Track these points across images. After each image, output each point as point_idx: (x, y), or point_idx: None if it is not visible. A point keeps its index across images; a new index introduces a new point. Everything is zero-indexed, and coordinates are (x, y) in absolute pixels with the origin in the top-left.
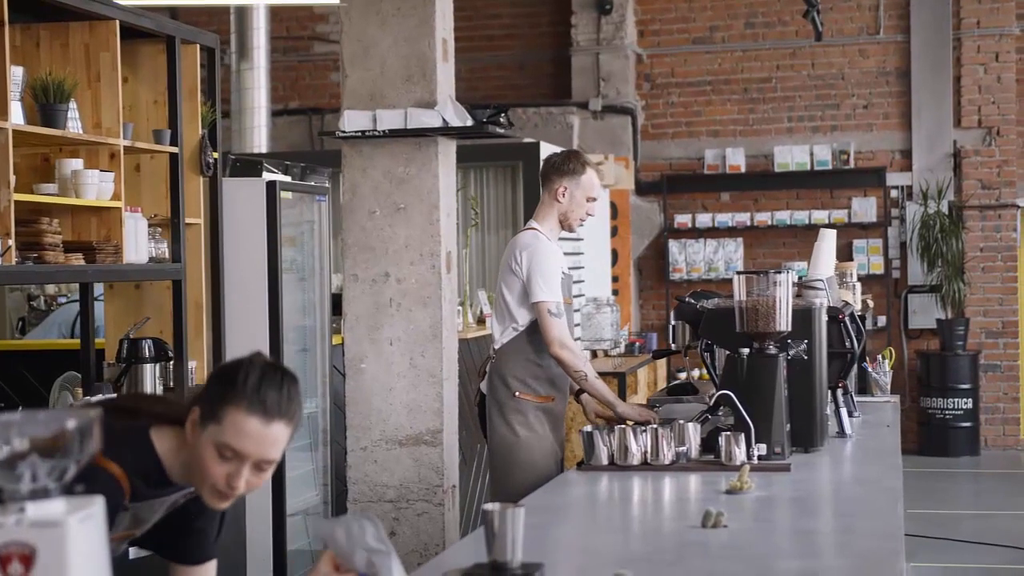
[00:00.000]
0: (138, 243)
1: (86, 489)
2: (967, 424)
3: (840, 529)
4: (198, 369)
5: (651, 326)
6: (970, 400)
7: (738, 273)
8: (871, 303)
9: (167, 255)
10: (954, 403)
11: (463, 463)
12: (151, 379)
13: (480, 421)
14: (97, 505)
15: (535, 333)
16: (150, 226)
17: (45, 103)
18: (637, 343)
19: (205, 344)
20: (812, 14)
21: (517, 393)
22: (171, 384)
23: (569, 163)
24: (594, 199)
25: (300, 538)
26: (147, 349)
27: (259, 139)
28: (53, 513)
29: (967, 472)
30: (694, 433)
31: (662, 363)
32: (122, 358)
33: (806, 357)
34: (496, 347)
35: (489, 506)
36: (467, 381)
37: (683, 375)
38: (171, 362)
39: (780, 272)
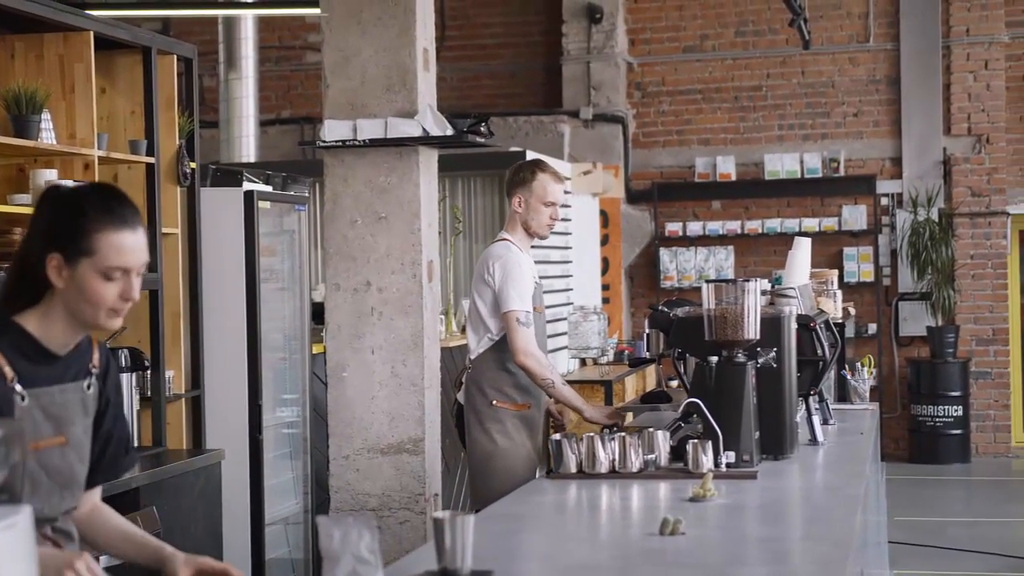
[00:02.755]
0: None
1: None
2: (957, 431)
3: (794, 536)
4: (175, 378)
5: (641, 335)
6: (960, 407)
7: (707, 281)
8: (852, 311)
9: None
10: (944, 410)
11: (445, 471)
12: (128, 388)
13: (459, 431)
14: (23, 514)
15: None
16: None
17: (17, 114)
18: (626, 351)
19: (183, 353)
20: (799, 22)
21: (494, 402)
22: (148, 394)
23: (519, 173)
24: (552, 203)
25: (280, 547)
26: (123, 359)
27: (247, 149)
28: None
29: (957, 479)
30: (663, 441)
31: (651, 371)
32: None
33: (775, 365)
34: (472, 357)
35: (439, 514)
36: (450, 390)
37: (675, 383)
38: (148, 371)
39: (749, 280)
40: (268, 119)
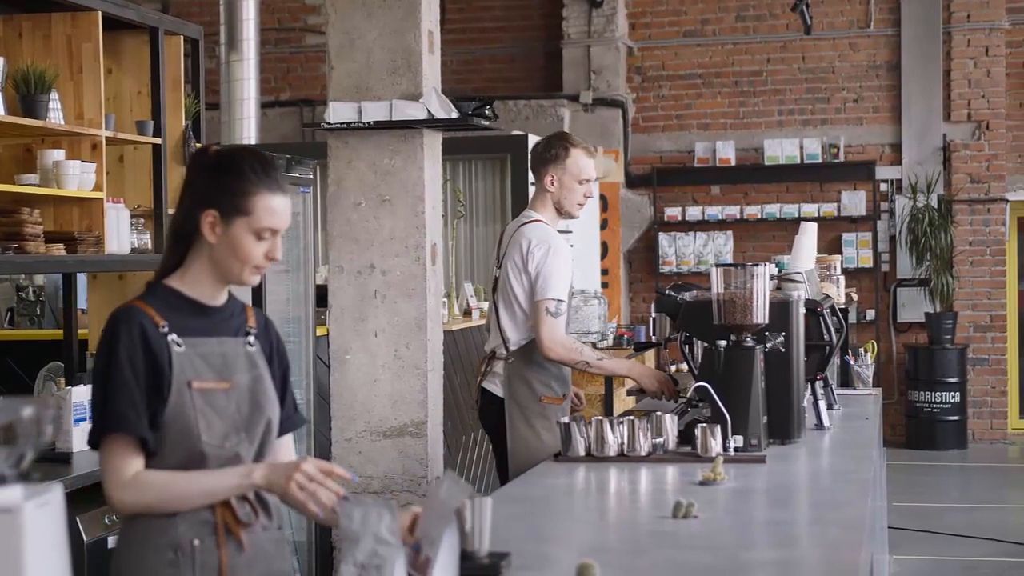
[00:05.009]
0: (120, 234)
1: (110, 327)
2: (955, 418)
3: (807, 520)
4: None
5: (641, 319)
6: (958, 394)
7: (716, 266)
8: (855, 296)
9: (150, 246)
10: (942, 397)
11: (448, 455)
12: None
13: (483, 421)
14: (55, 492)
15: None
16: (133, 217)
17: (26, 94)
18: (626, 335)
19: None
20: (801, 7)
21: (543, 398)
22: None
23: (551, 149)
24: (586, 180)
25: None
26: None
27: (248, 130)
28: (9, 499)
29: (954, 465)
30: (671, 425)
31: (651, 355)
32: None
33: (783, 350)
34: (511, 348)
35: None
36: (452, 373)
37: (673, 368)
38: None
39: (758, 265)
40: (267, 101)
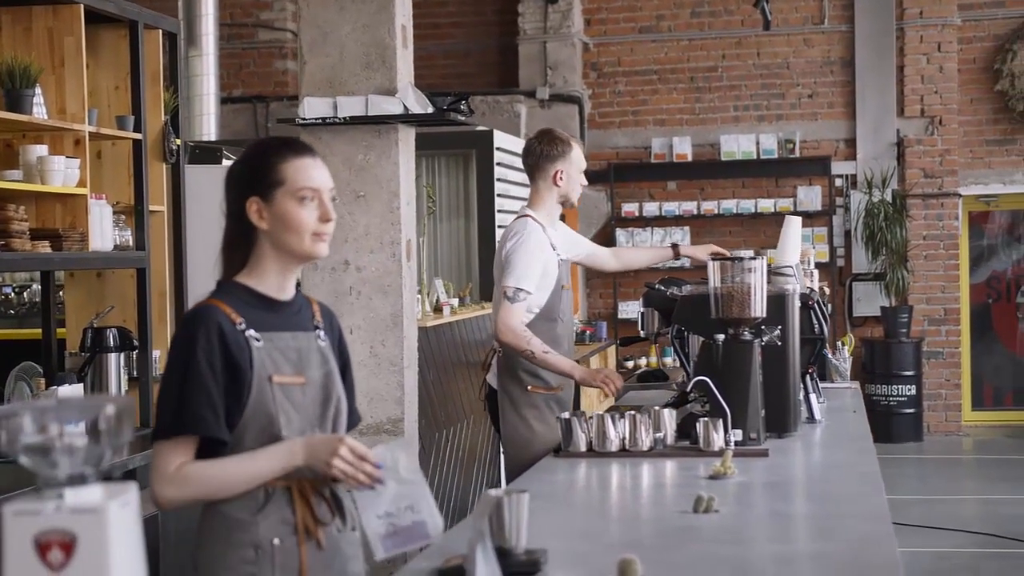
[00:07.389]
0: (103, 230)
1: (187, 326)
2: (910, 410)
3: (828, 513)
4: (162, 358)
5: (599, 315)
6: (913, 387)
7: (713, 259)
8: (827, 290)
9: (131, 243)
10: (898, 390)
11: (423, 452)
12: (115, 368)
13: (491, 415)
14: (132, 492)
15: (540, 324)
16: (114, 213)
17: (11, 88)
18: (587, 332)
19: (169, 333)
20: (762, 3)
21: (529, 387)
22: (135, 374)
23: (557, 146)
24: (583, 169)
25: None
26: (111, 338)
27: (208, 127)
28: (92, 499)
29: (911, 458)
30: (670, 419)
31: (612, 351)
32: (86, 347)
33: (780, 343)
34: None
35: (494, 492)
36: (425, 370)
37: (630, 363)
38: (135, 351)
39: (755, 258)
40: (222, 97)
